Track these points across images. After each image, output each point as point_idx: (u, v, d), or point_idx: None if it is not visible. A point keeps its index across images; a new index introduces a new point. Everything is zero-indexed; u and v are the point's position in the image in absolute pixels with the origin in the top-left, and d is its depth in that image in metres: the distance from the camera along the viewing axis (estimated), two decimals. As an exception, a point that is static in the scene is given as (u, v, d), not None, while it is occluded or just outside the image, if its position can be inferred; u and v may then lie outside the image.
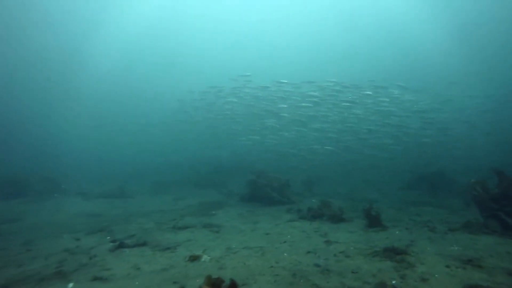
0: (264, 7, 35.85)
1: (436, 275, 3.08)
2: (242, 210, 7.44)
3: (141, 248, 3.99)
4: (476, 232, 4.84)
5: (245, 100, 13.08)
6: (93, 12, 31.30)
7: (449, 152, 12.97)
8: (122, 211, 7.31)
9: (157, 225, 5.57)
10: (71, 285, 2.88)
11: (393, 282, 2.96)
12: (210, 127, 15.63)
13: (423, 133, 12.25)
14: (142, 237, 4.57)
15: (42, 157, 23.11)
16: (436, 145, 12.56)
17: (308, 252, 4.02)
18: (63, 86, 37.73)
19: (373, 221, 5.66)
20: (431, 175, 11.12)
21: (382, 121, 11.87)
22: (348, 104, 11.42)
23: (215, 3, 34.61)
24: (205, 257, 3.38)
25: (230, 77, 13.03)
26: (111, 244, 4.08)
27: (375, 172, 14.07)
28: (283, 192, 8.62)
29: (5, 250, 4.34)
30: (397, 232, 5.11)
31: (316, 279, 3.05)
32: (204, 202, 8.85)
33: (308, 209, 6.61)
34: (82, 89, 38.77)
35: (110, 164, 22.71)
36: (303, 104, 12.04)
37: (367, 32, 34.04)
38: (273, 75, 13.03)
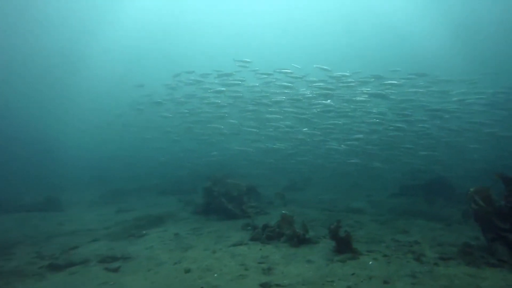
0: (264, 9, 36.17)
1: None
2: (185, 228, 6.15)
3: None
4: (477, 263, 3.68)
5: (237, 92, 11.61)
6: (91, 14, 31.42)
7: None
8: (19, 233, 5.87)
9: (31, 260, 4.15)
10: None
11: None
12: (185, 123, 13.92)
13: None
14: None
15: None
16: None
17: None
18: (60, 87, 36.83)
19: (342, 245, 4.46)
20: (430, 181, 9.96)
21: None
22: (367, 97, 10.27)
23: (216, 5, 35.13)
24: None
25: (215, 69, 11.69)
26: None
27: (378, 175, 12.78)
28: (244, 203, 7.37)
29: None
30: (370, 263, 3.91)
31: None
32: (147, 215, 7.51)
33: (264, 226, 5.37)
34: (79, 91, 37.97)
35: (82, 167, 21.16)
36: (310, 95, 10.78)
37: (367, 32, 34.29)
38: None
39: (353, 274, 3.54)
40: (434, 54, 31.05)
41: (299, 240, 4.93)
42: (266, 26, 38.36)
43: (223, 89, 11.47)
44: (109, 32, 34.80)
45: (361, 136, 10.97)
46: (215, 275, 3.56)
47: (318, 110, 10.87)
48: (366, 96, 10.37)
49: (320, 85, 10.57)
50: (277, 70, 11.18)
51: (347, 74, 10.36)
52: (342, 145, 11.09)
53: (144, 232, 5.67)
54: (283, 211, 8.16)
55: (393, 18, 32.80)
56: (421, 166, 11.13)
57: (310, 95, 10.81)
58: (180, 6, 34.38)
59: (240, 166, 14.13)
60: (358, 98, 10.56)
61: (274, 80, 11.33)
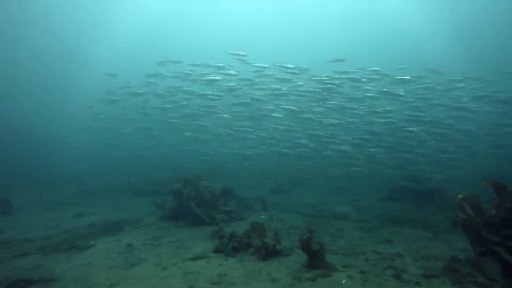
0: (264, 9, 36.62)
1: None
2: (143, 237, 5.56)
3: None
4: (464, 282, 3.28)
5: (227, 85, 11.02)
6: (92, 13, 31.74)
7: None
8: None
9: None
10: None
11: None
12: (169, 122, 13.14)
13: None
14: None
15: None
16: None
17: None
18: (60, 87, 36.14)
19: (315, 259, 4.00)
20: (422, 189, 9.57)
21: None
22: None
23: (215, 6, 35.69)
24: None
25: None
26: None
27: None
28: (216, 207, 6.83)
29: None
30: (343, 281, 3.46)
31: None
32: (106, 221, 6.88)
33: (230, 236, 4.86)
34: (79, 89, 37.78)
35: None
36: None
37: (367, 31, 34.47)
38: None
39: (320, 297, 3.08)
40: (437, 55, 31.38)
41: (268, 253, 4.45)
42: (267, 27, 38.66)
43: (217, 77, 10.85)
44: (107, 30, 34.93)
45: (368, 137, 10.69)
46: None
47: (322, 108, 10.58)
48: (376, 93, 10.10)
49: (323, 78, 10.25)
50: (276, 64, 10.88)
51: (378, 69, 10.22)
52: (346, 146, 10.76)
53: (91, 242, 5.05)
54: (262, 216, 7.78)
55: (396, 18, 33.19)
56: (430, 173, 10.47)
57: (313, 90, 10.49)
58: (180, 6, 34.51)
59: (235, 168, 13.52)
60: (366, 95, 10.38)
61: (272, 74, 10.99)
